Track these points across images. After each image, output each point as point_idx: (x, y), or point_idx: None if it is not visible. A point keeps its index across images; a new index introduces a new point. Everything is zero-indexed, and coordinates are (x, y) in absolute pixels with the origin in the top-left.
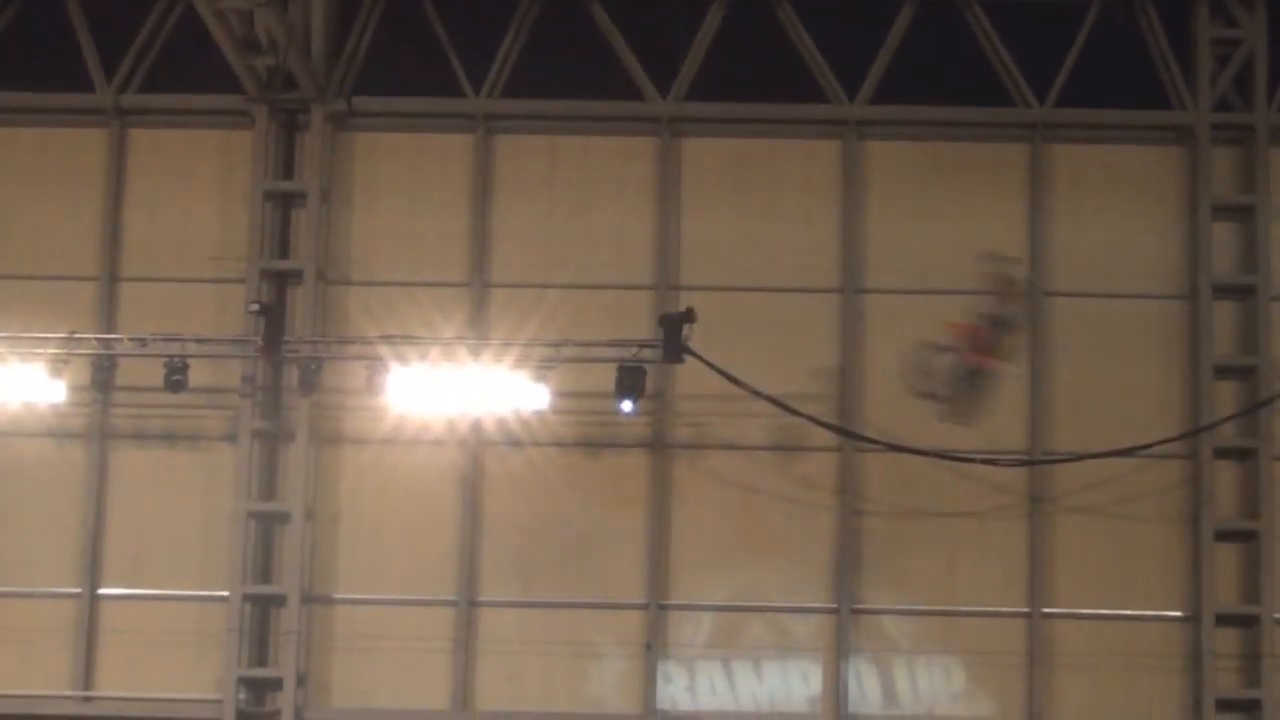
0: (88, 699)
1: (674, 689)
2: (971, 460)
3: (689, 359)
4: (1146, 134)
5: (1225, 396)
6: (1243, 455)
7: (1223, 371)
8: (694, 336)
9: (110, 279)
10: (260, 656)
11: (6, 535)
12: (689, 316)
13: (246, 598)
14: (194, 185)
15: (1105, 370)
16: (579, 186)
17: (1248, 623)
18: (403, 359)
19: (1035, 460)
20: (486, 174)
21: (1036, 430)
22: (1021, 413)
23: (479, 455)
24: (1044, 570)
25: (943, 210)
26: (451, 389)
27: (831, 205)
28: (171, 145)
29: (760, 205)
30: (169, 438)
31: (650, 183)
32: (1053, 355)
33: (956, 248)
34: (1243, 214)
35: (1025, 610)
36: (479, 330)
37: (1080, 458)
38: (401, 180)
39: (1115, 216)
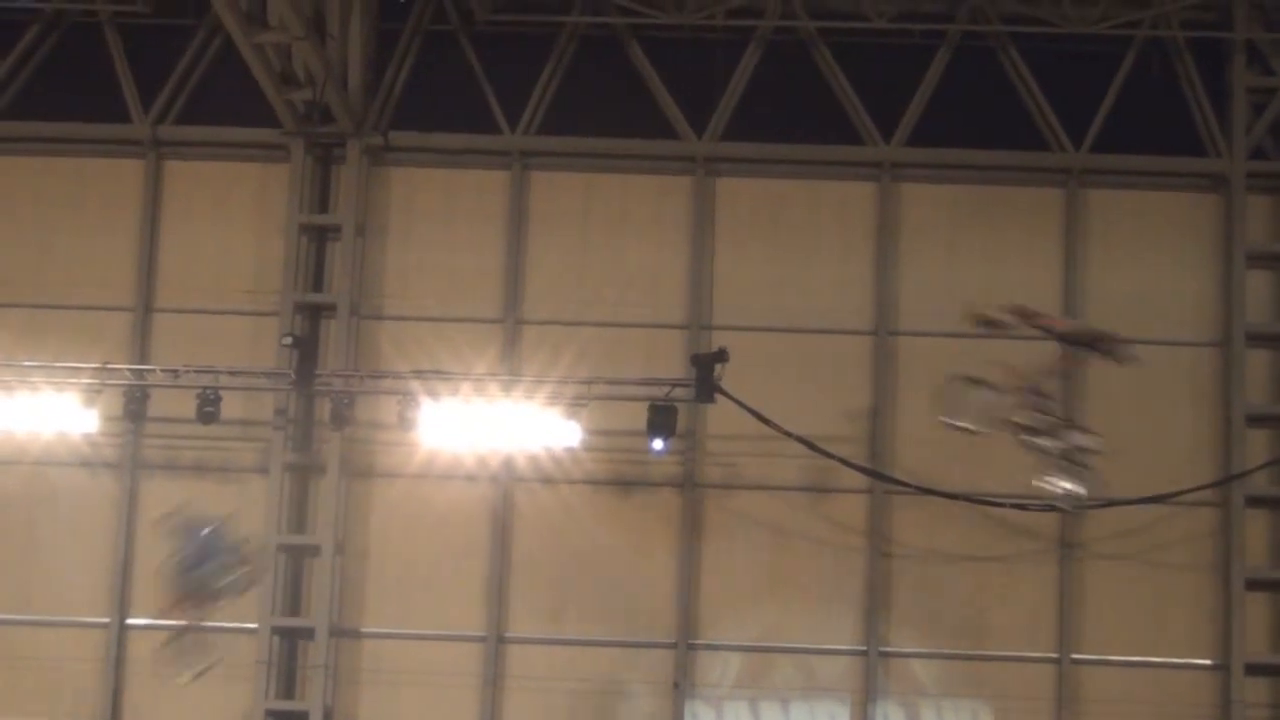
0: None
1: None
2: (1001, 505)
3: (720, 399)
4: (1181, 181)
5: (1257, 445)
6: (1274, 504)
7: (1255, 420)
8: (726, 376)
9: (144, 310)
10: (288, 689)
11: (37, 564)
12: (721, 356)
13: (275, 630)
14: (229, 218)
15: (1137, 416)
16: (613, 224)
17: (1278, 672)
18: (435, 394)
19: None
20: (521, 210)
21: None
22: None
23: (510, 491)
24: (1073, 616)
25: (976, 253)
26: (483, 425)
27: (865, 247)
28: (207, 177)
29: (794, 246)
30: (200, 469)
31: (684, 222)
32: (1084, 401)
33: (990, 291)
34: (1277, 262)
35: (1054, 656)
36: (511, 366)
37: (1111, 504)
38: (436, 215)
39: (1149, 263)
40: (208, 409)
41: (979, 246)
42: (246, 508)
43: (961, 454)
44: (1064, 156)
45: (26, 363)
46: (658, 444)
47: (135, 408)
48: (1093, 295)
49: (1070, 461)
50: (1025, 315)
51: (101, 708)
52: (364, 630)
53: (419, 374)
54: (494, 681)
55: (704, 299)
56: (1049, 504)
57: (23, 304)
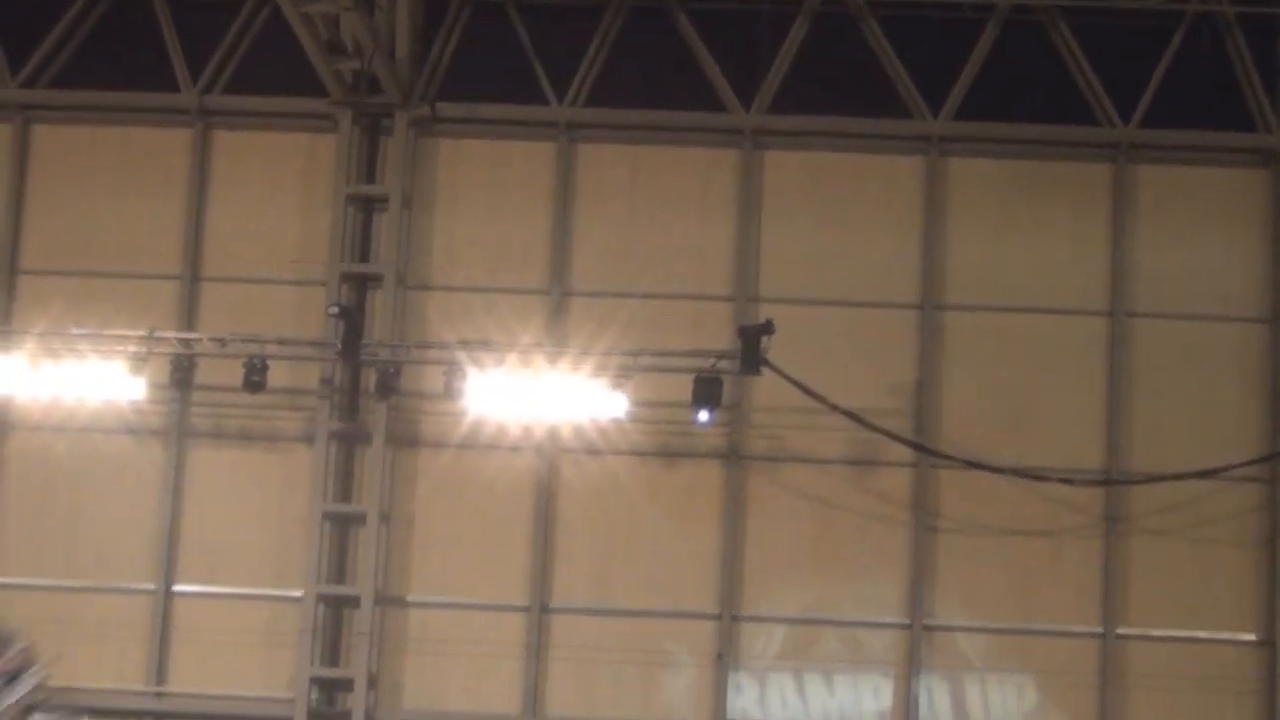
0: (160, 695)
1: (744, 700)
2: (1048, 478)
3: (766, 371)
4: (1231, 156)
5: None
6: None
7: None
8: (772, 349)
9: (192, 278)
10: (333, 657)
11: (84, 530)
12: (767, 328)
13: (320, 598)
14: (276, 188)
15: (1184, 392)
16: (660, 196)
17: None
18: (481, 364)
19: (1112, 480)
20: (568, 182)
21: (1114, 450)
22: (1099, 432)
23: (555, 462)
24: (1118, 590)
25: (1024, 229)
26: (529, 395)
27: (913, 221)
28: (255, 147)
29: (841, 219)
30: (246, 438)
31: (731, 194)
32: (1132, 376)
33: (1037, 265)
34: None
35: (1099, 630)
36: (557, 337)
37: (1157, 479)
38: (483, 186)
39: (1198, 238)
40: (254, 378)
41: (1026, 221)
42: (292, 476)
43: (1008, 428)
44: (1113, 131)
45: (74, 331)
46: (703, 416)
47: (182, 376)
48: (1141, 270)
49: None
50: None
51: (148, 673)
52: (409, 599)
53: (465, 344)
54: (538, 651)
55: (750, 272)
56: (1097, 479)
57: (71, 272)
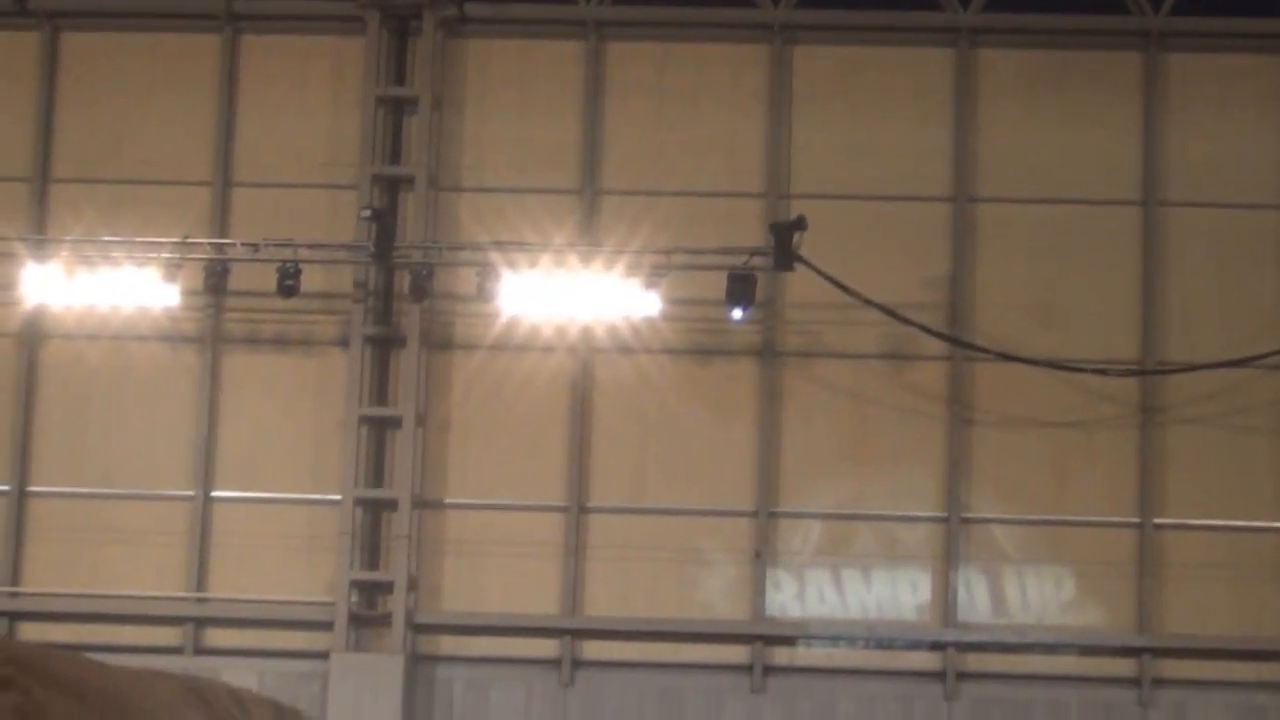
0: (201, 600)
1: (783, 596)
2: (1083, 369)
3: (800, 267)
4: (1263, 42)
5: None
6: None
7: None
8: (804, 244)
9: (224, 184)
10: (372, 560)
11: (121, 438)
12: (800, 224)
13: (358, 502)
14: (306, 91)
15: (1218, 281)
16: (690, 94)
17: None
18: (514, 265)
19: (1147, 370)
20: (597, 80)
21: (1148, 340)
22: (1133, 323)
23: (589, 362)
24: (1154, 480)
25: (1055, 119)
26: (562, 295)
27: (943, 113)
28: (284, 51)
29: (871, 113)
30: (281, 342)
31: (761, 90)
32: (1166, 265)
33: (1069, 156)
34: None
35: (1136, 520)
36: (590, 237)
37: (1192, 368)
38: (513, 86)
39: (1230, 126)
40: (288, 282)
41: (1058, 112)
42: (328, 380)
43: (1042, 319)
44: (1143, 20)
45: (107, 239)
46: (737, 313)
47: (216, 282)
48: (1173, 158)
49: None
50: None
51: (187, 580)
52: (447, 501)
53: (498, 245)
54: (575, 551)
55: (782, 167)
56: (1131, 369)
57: (104, 180)
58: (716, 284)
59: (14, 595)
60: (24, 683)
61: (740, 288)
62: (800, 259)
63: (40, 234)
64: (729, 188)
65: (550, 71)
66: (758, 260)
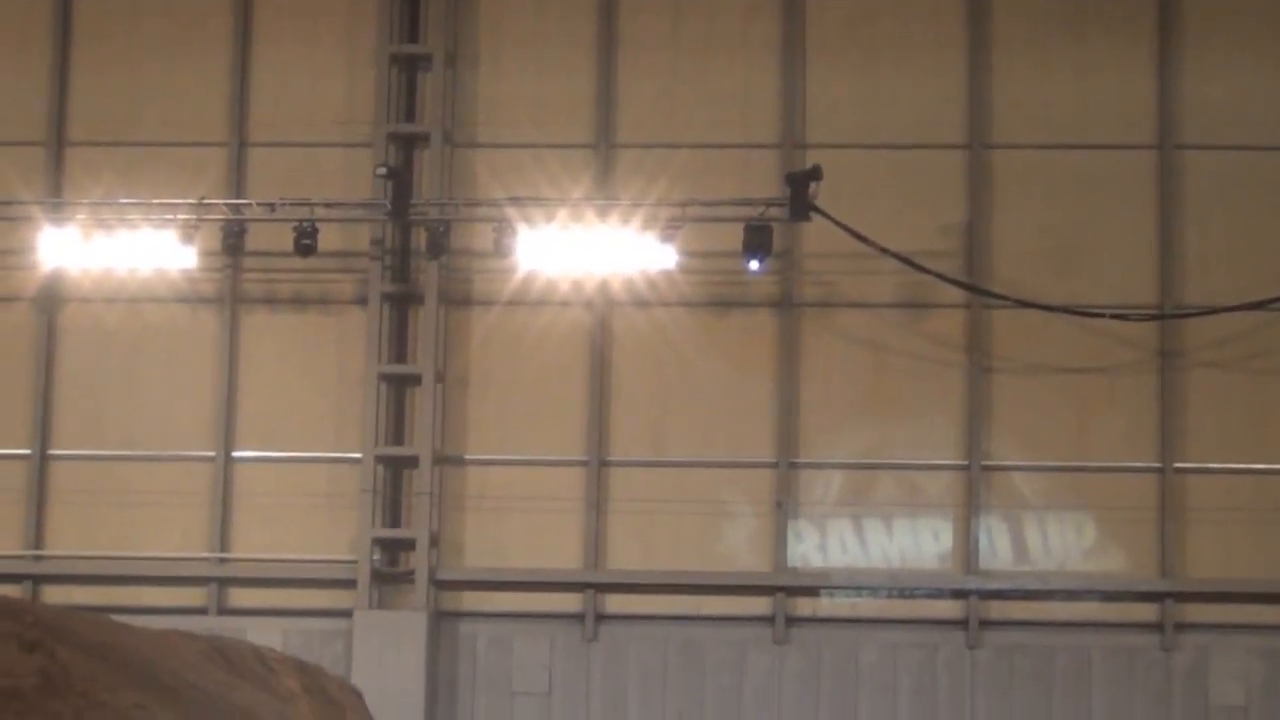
0: (223, 560)
1: (804, 547)
2: (1101, 315)
3: (816, 217)
4: None
5: None
6: None
7: None
8: (820, 194)
9: (239, 144)
10: (393, 518)
11: (142, 401)
12: (815, 174)
13: (379, 459)
14: (319, 49)
15: (1235, 224)
16: (703, 45)
17: None
18: (530, 220)
19: (1165, 314)
20: (610, 33)
21: (1166, 285)
22: (1151, 267)
23: (606, 316)
24: (1175, 424)
25: (1070, 64)
26: (579, 250)
27: (958, 60)
28: (297, 8)
29: (886, 61)
30: (299, 302)
31: (775, 40)
32: (1183, 209)
33: (1084, 101)
34: None
35: (1156, 465)
36: (605, 191)
37: (1211, 311)
38: (526, 41)
39: (1247, 66)
40: (305, 241)
41: (1072, 57)
42: (346, 339)
43: (1059, 266)
44: None
45: (124, 201)
46: (754, 264)
47: (233, 242)
48: (1189, 100)
49: None
50: None
51: (211, 540)
52: (467, 457)
53: (514, 200)
54: (597, 505)
55: (796, 117)
56: (1150, 314)
57: (120, 142)
58: (733, 236)
59: (37, 558)
60: (49, 645)
61: (757, 239)
62: (816, 209)
63: (57, 197)
64: (744, 139)
65: (563, 25)
66: (774, 211)
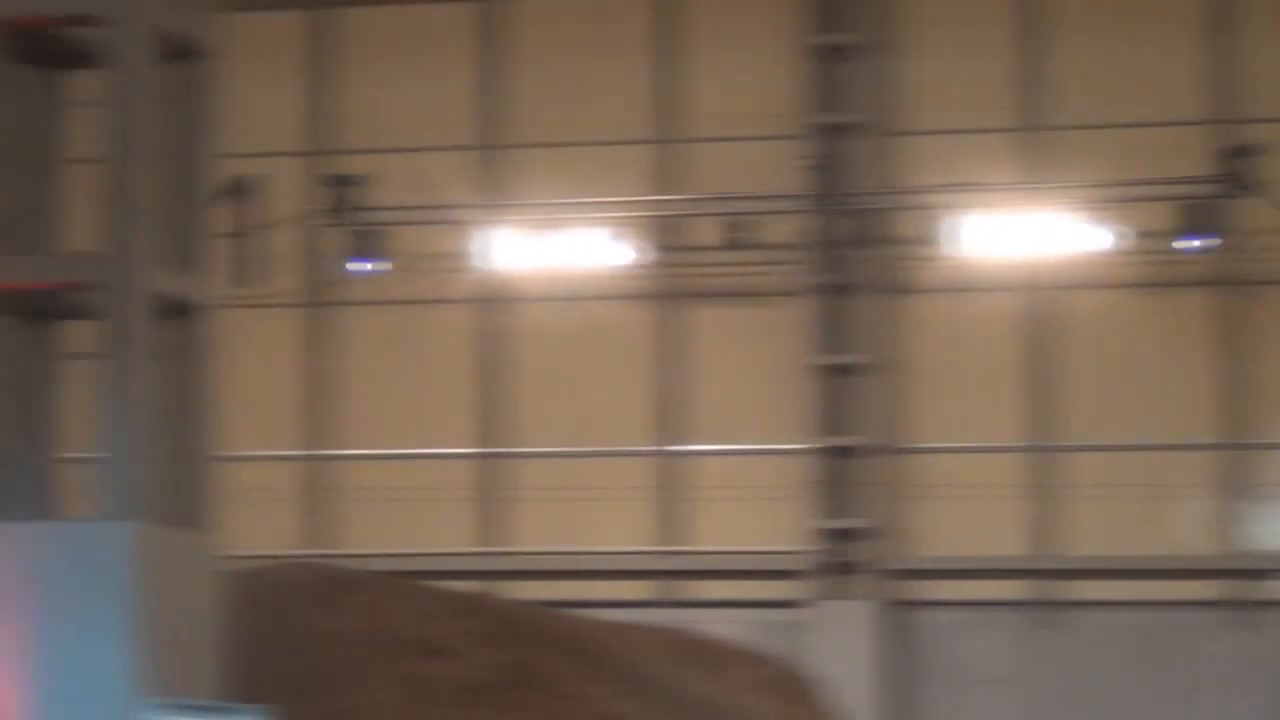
0: (669, 554)
1: (1255, 529)
2: None
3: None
4: None
5: None
6: None
7: None
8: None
9: (667, 142)
10: (837, 508)
11: (585, 398)
12: (1251, 150)
13: (823, 450)
14: (740, 42)
15: None
16: (1129, 24)
17: None
18: (959, 206)
19: None
20: (1033, 13)
21: None
22: None
23: (1040, 300)
24: None
25: None
26: (1009, 235)
27: None
28: (715, 6)
29: None
30: (731, 295)
31: (1195, 15)
32: None
33: None
34: None
35: None
36: (1033, 173)
37: None
38: (945, 26)
39: None
40: (737, 235)
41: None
42: (781, 331)
43: None
44: None
45: (559, 201)
46: (1193, 243)
47: (666, 239)
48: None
49: None
50: None
51: (660, 533)
52: (909, 445)
53: (943, 188)
54: (1039, 491)
55: (1228, 91)
56: None
57: (554, 143)
58: (1169, 215)
59: (495, 555)
60: (518, 640)
61: (1195, 217)
62: (1255, 185)
63: (496, 200)
64: (1174, 116)
65: (982, 7)
66: (1210, 189)
